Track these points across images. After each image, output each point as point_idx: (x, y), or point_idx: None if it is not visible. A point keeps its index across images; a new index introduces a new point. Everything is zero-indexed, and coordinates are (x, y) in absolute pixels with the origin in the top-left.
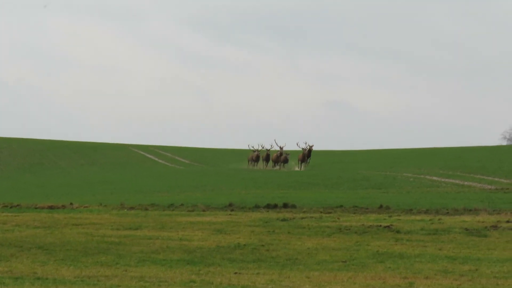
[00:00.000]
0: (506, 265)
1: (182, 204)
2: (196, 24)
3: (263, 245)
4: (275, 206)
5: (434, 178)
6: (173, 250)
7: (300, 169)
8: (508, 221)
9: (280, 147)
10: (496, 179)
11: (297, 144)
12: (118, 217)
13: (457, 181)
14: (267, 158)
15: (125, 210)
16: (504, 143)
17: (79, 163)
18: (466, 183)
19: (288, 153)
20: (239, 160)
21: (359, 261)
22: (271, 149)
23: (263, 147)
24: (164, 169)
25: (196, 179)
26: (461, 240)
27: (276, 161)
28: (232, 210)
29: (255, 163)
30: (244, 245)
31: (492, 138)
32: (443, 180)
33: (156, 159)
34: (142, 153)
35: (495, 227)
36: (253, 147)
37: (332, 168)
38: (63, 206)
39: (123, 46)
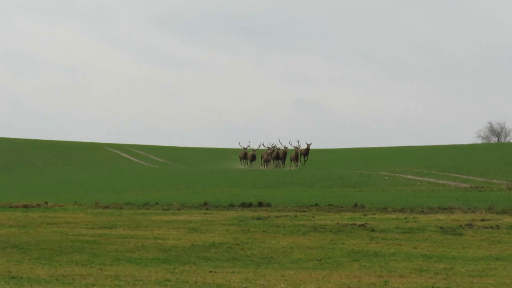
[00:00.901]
0: (480, 263)
1: (157, 203)
2: (164, 23)
3: (238, 244)
4: (250, 205)
5: (409, 176)
6: (148, 249)
7: (290, 167)
8: (482, 220)
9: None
10: (470, 177)
11: (290, 143)
12: (93, 216)
13: (431, 180)
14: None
15: (100, 209)
16: (479, 141)
17: (54, 162)
18: (440, 181)
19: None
20: (214, 159)
21: (334, 259)
22: (259, 148)
23: (248, 146)
24: (139, 168)
25: (171, 178)
26: (436, 238)
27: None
28: (207, 209)
29: (250, 162)
30: (219, 243)
31: (466, 136)
32: (418, 178)
33: (131, 158)
34: (117, 152)
35: (469, 225)
36: (246, 146)
37: (307, 167)
38: (38, 205)
39: (91, 46)
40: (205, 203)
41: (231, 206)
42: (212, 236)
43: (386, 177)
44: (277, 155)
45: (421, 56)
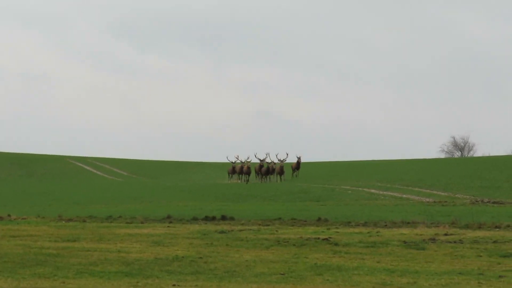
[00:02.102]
0: (444, 277)
1: (120, 216)
2: (119, 32)
3: (201, 257)
4: (214, 218)
5: (372, 190)
6: (111, 262)
7: (277, 181)
8: (446, 234)
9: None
10: (434, 192)
11: (276, 156)
12: (56, 229)
13: (395, 194)
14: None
15: (63, 222)
16: (443, 156)
17: (17, 174)
18: (404, 196)
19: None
20: (177, 172)
21: (298, 273)
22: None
23: (236, 160)
24: (102, 181)
25: (134, 191)
26: (399, 252)
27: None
28: (170, 222)
29: (247, 176)
30: (182, 257)
31: (430, 151)
32: (381, 192)
33: (94, 170)
34: (80, 164)
35: (433, 240)
36: (235, 160)
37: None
38: (1, 218)
39: (48, 54)
40: (168, 216)
41: (194, 219)
42: (175, 250)
43: (350, 191)
44: (270, 170)
45: (381, 67)
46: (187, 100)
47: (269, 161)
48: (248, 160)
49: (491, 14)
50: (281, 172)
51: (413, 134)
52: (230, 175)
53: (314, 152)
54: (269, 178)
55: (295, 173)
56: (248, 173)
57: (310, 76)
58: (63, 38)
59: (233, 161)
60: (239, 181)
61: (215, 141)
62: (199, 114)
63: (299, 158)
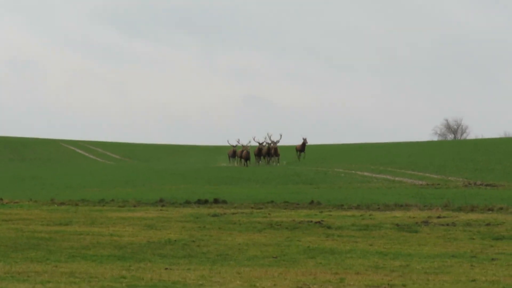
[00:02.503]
0: (436, 260)
1: (112, 200)
2: (107, 18)
3: (193, 241)
4: (206, 201)
5: (365, 173)
6: (103, 246)
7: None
8: (438, 217)
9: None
10: (427, 174)
11: (270, 138)
12: (48, 213)
13: (388, 177)
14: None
15: (55, 205)
16: (435, 138)
17: (8, 158)
18: (397, 178)
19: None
20: (171, 155)
21: (290, 256)
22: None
23: (237, 143)
24: (95, 165)
25: (126, 174)
26: (392, 235)
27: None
28: (163, 206)
29: (247, 162)
30: (175, 240)
31: (423, 134)
32: (374, 175)
33: (87, 154)
34: (72, 148)
35: (426, 222)
36: (235, 143)
37: (262, 163)
38: None
39: (35, 40)
40: (161, 200)
41: (187, 203)
42: (167, 233)
43: (342, 174)
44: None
45: (371, 52)
46: (176, 85)
47: (269, 141)
48: (249, 145)
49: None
50: (276, 153)
51: (405, 118)
52: (230, 158)
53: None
54: (269, 160)
55: (301, 155)
56: (248, 157)
57: (299, 61)
58: (49, 24)
59: (234, 145)
60: (237, 165)
61: (205, 126)
62: (188, 99)
63: (305, 140)
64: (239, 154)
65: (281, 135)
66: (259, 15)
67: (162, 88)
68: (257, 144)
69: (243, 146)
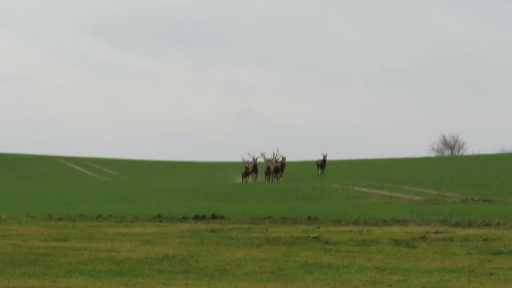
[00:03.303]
0: (434, 275)
1: (110, 216)
2: (98, 32)
3: (191, 256)
4: (204, 217)
5: (363, 189)
6: (101, 261)
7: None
8: (436, 232)
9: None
10: (424, 190)
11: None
12: (46, 228)
13: (385, 193)
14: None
15: (53, 221)
16: (433, 154)
17: (6, 175)
18: (394, 194)
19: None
20: (168, 172)
21: (288, 272)
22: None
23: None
24: (92, 181)
25: (124, 190)
26: (389, 251)
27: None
28: (160, 221)
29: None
30: (173, 256)
31: (420, 150)
32: (371, 191)
33: (84, 170)
34: (70, 164)
35: (423, 238)
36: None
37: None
38: None
39: (28, 55)
40: (159, 216)
41: (185, 218)
42: (165, 249)
43: (340, 190)
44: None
45: (367, 66)
46: (169, 100)
47: (278, 158)
48: (255, 158)
49: (470, 13)
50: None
51: (400, 134)
52: (244, 177)
53: (299, 151)
54: (277, 176)
55: (320, 171)
56: (256, 171)
57: (293, 76)
58: (42, 40)
59: (248, 160)
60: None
61: (200, 141)
62: (181, 114)
63: (325, 156)
64: (251, 168)
65: (277, 149)
66: (253, 30)
67: (154, 103)
68: (265, 161)
69: (254, 159)
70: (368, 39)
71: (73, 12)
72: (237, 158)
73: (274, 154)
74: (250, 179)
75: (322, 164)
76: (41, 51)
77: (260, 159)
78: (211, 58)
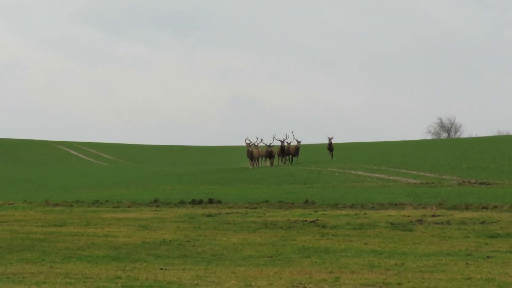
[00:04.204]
0: (431, 259)
1: (107, 201)
2: (87, 19)
3: (188, 241)
4: (201, 202)
5: (359, 172)
6: (98, 247)
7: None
8: (433, 215)
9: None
10: (421, 173)
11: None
12: (43, 214)
13: (382, 176)
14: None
15: (50, 206)
16: (429, 137)
17: (2, 160)
18: (391, 177)
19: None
20: (165, 156)
21: (285, 256)
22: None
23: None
24: (89, 166)
25: (120, 175)
26: (386, 234)
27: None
28: (157, 206)
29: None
30: (170, 241)
31: (417, 133)
32: (368, 175)
33: (81, 155)
34: (66, 149)
35: (420, 221)
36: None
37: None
38: None
39: (17, 43)
40: (155, 200)
41: (182, 203)
42: (162, 234)
43: (337, 174)
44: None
45: (360, 50)
46: (160, 86)
47: (291, 141)
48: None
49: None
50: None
51: (398, 117)
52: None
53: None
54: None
55: (331, 154)
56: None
57: (284, 61)
58: (33, 26)
59: (270, 144)
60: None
61: (193, 126)
62: (173, 100)
63: (330, 139)
64: (264, 153)
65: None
66: (244, 14)
67: (147, 88)
68: (279, 143)
69: (268, 145)
70: (359, 23)
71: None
72: (230, 142)
73: (286, 137)
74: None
75: (329, 147)
76: (31, 37)
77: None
78: (200, 43)
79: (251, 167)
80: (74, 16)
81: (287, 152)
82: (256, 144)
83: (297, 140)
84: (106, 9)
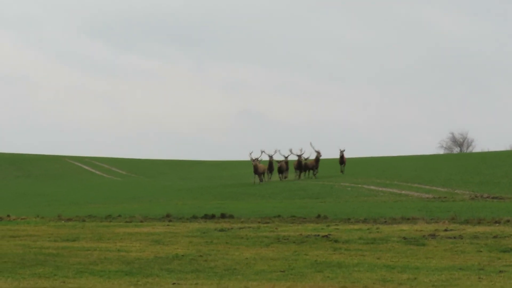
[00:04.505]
0: (444, 273)
1: (119, 215)
2: (94, 32)
3: (201, 256)
4: (213, 216)
5: (372, 187)
6: (111, 261)
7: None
8: (445, 230)
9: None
10: (433, 188)
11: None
12: (56, 229)
13: (394, 190)
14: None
15: (62, 221)
16: (442, 151)
17: (14, 175)
18: (403, 192)
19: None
20: (176, 170)
21: (298, 270)
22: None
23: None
24: (101, 180)
25: (133, 190)
26: (399, 249)
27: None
28: (170, 221)
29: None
30: (182, 255)
31: (429, 148)
32: (380, 189)
33: (93, 170)
34: (78, 164)
35: (433, 235)
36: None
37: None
38: (0, 218)
39: (25, 56)
40: (168, 215)
41: (194, 218)
42: (175, 248)
43: (349, 188)
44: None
45: (370, 64)
46: (169, 100)
47: (308, 156)
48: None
49: (470, 11)
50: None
51: (410, 132)
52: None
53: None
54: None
55: (342, 168)
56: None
57: (292, 75)
58: (38, 40)
59: (286, 155)
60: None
61: (199, 141)
62: (181, 114)
63: (342, 152)
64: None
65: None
66: (252, 28)
67: (155, 103)
68: (296, 157)
69: (285, 157)
70: (368, 38)
71: (65, 13)
72: (239, 157)
73: (301, 151)
74: (274, 177)
75: (341, 161)
76: (38, 52)
77: (292, 157)
78: (208, 58)
79: (258, 182)
80: (82, 29)
81: (305, 167)
82: (258, 158)
83: (317, 152)
84: (112, 23)
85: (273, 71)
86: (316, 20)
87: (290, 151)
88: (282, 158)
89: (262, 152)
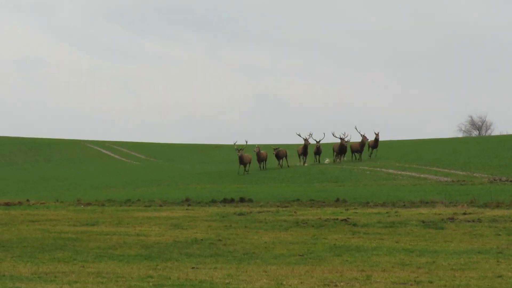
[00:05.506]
0: (463, 257)
1: (138, 200)
2: (111, 17)
3: (220, 240)
4: (232, 200)
5: (390, 171)
6: (130, 246)
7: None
8: (464, 213)
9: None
10: (452, 171)
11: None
12: (75, 213)
13: (413, 174)
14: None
15: (82, 206)
16: (460, 135)
17: (35, 159)
18: (422, 175)
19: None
20: (195, 154)
21: (316, 254)
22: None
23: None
24: (120, 165)
25: (152, 174)
26: (418, 232)
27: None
28: (189, 205)
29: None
30: (201, 240)
31: (448, 131)
32: (399, 173)
33: (112, 154)
34: (97, 148)
35: (451, 219)
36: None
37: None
38: (20, 203)
39: (40, 40)
40: (187, 199)
41: (213, 202)
42: (194, 232)
43: (368, 172)
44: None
45: (388, 48)
46: (186, 84)
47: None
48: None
49: None
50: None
51: (429, 115)
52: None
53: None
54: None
55: (373, 152)
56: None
57: (308, 58)
58: (54, 24)
59: (306, 137)
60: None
61: (217, 124)
62: (200, 98)
63: (377, 135)
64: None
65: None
66: (268, 12)
67: (173, 87)
68: (339, 140)
69: (317, 141)
70: (385, 21)
71: None
72: (258, 141)
73: (344, 135)
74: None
75: (375, 144)
76: (56, 36)
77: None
78: (225, 41)
79: (243, 173)
80: (96, 14)
81: (345, 150)
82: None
83: (362, 136)
84: (128, 7)
85: (290, 54)
86: (334, 4)
87: (333, 134)
88: (314, 142)
89: (298, 134)
